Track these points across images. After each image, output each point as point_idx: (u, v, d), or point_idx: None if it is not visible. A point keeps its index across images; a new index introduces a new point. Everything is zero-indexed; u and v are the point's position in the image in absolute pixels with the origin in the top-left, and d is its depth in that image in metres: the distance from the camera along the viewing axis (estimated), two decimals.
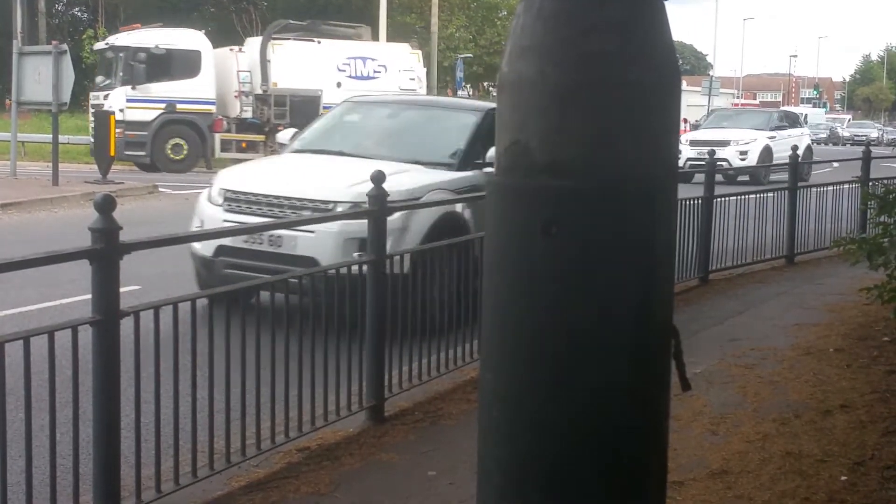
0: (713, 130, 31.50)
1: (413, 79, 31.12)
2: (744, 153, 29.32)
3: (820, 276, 12.29)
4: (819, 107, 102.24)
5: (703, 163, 12.97)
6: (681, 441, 5.85)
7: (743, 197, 12.65)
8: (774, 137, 30.35)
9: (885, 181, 11.33)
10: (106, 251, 4.54)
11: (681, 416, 6.27)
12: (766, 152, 29.39)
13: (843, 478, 5.34)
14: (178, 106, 27.90)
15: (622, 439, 2.11)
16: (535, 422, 2.10)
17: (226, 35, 41.36)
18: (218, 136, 28.83)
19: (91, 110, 28.15)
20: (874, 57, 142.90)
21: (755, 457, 5.71)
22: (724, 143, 28.90)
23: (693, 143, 28.59)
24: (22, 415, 4.22)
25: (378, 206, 6.40)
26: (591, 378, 2.07)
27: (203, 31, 31.74)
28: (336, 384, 6.11)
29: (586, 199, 2.08)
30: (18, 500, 4.23)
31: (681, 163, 20.29)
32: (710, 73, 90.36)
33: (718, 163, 13.38)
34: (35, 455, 4.27)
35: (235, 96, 29.07)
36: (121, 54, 28.02)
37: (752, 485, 5.29)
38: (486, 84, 57.53)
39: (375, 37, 35.19)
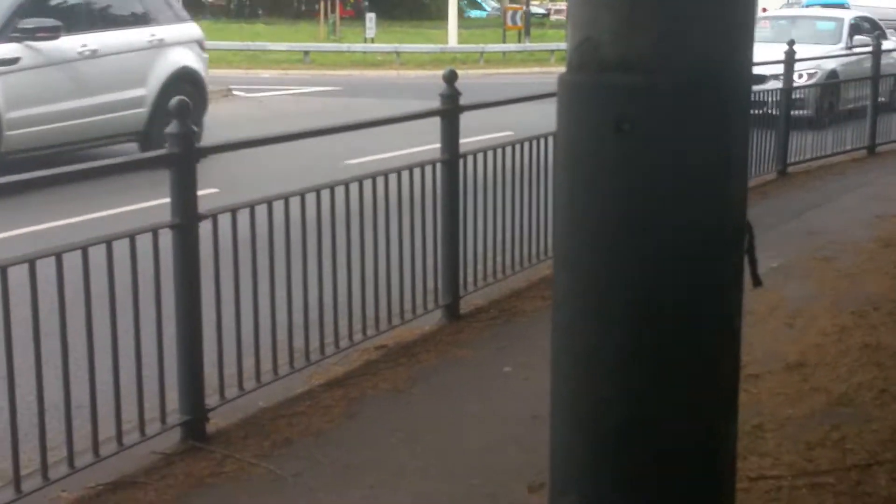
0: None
1: None
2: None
3: None
4: None
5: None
6: (757, 335, 5.84)
7: (824, 84, 12.37)
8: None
9: None
10: (183, 155, 4.60)
11: (757, 310, 6.25)
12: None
13: None
14: None
15: (695, 332, 2.12)
16: (607, 318, 2.12)
17: None
18: None
19: None
20: None
21: (832, 349, 5.69)
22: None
23: None
24: (108, 316, 4.34)
25: None
26: (665, 273, 2.08)
27: None
28: (412, 283, 6.18)
29: (659, 95, 2.06)
30: (107, 398, 4.37)
31: None
32: None
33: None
34: (121, 355, 4.40)
35: None
36: None
37: (828, 377, 5.28)
38: None
39: None
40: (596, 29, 2.11)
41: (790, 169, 11.56)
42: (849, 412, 4.84)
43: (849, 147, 12.71)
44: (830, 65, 16.02)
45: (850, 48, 16.70)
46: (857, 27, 17.62)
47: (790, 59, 11.62)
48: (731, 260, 2.15)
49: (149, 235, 4.56)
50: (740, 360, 2.29)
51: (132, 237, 4.49)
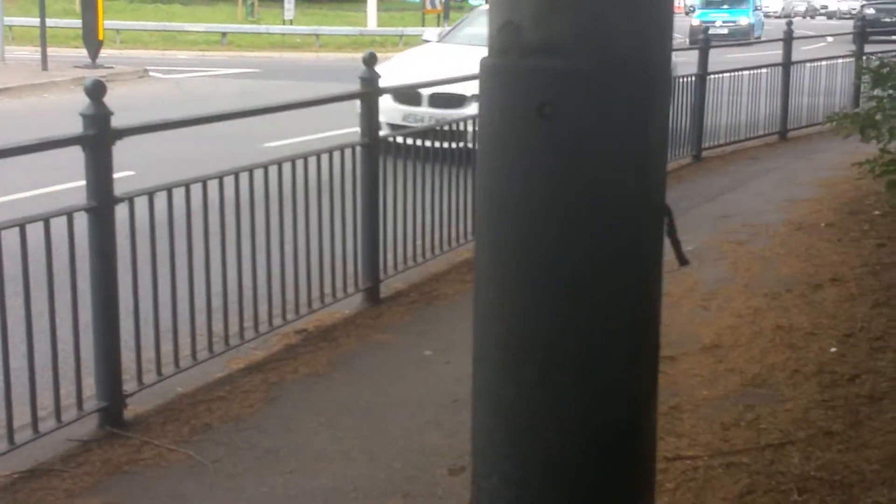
0: None
1: None
2: None
3: (812, 152, 12.31)
4: None
5: None
6: (672, 317, 5.93)
7: (736, 74, 12.59)
8: None
9: (880, 55, 11.27)
10: (98, 137, 4.53)
11: (672, 292, 6.34)
12: None
13: (833, 349, 5.43)
14: None
15: (617, 314, 2.14)
16: (530, 301, 2.13)
17: None
18: None
19: None
20: None
21: (746, 331, 5.80)
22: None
23: None
24: (21, 301, 4.27)
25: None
26: (587, 257, 2.10)
27: None
28: (332, 267, 6.16)
29: (580, 79, 2.07)
30: (22, 384, 4.30)
31: None
32: None
33: None
34: (36, 340, 4.33)
35: None
36: None
37: (742, 358, 5.38)
38: None
39: None
40: (517, 13, 2.11)
41: (704, 153, 11.73)
42: (762, 392, 4.94)
43: (761, 132, 12.93)
44: None
45: None
46: None
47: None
48: (651, 242, 2.18)
49: (63, 219, 4.48)
50: (660, 341, 2.32)
51: (46, 220, 4.42)
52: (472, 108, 10.01)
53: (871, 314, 5.94)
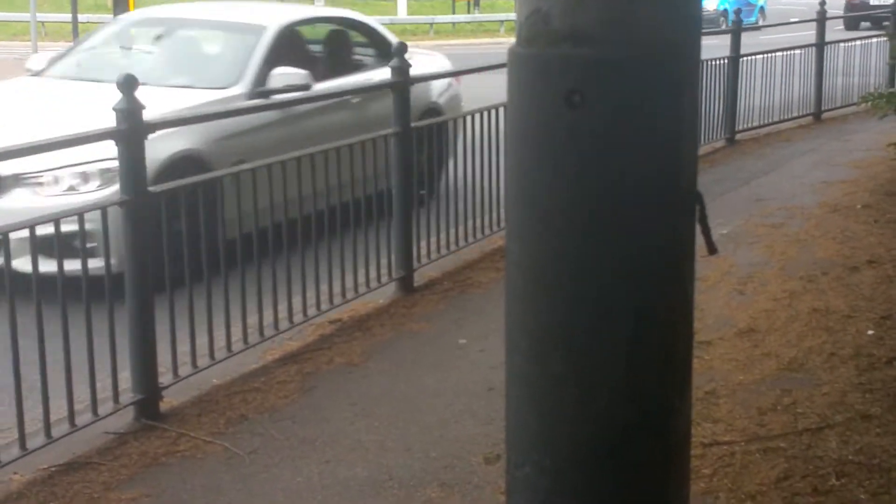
0: None
1: None
2: None
3: (847, 133, 12.19)
4: None
5: None
6: (708, 301, 5.90)
7: (769, 55, 12.48)
8: None
9: None
10: (131, 131, 4.56)
11: (708, 276, 6.31)
12: None
13: (870, 332, 5.39)
14: None
15: (648, 305, 2.13)
16: (560, 291, 2.12)
17: None
18: None
19: None
20: None
21: (782, 314, 5.76)
22: None
23: None
24: (57, 296, 4.30)
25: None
26: (617, 246, 2.09)
27: None
28: (366, 257, 6.17)
29: (609, 66, 2.06)
30: (58, 377, 4.34)
31: None
32: None
33: None
34: (73, 336, 4.36)
35: None
36: None
37: (778, 342, 5.35)
38: None
39: None
40: (545, 1, 2.10)
41: (738, 136, 11.65)
42: (799, 377, 4.90)
43: (795, 114, 12.82)
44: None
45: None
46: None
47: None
48: (683, 228, 2.16)
49: (97, 214, 4.51)
50: (693, 328, 2.31)
51: (81, 215, 4.45)
52: (11, 201, 6.33)
53: None
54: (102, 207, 4.56)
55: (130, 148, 4.56)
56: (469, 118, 7.13)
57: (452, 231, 7.04)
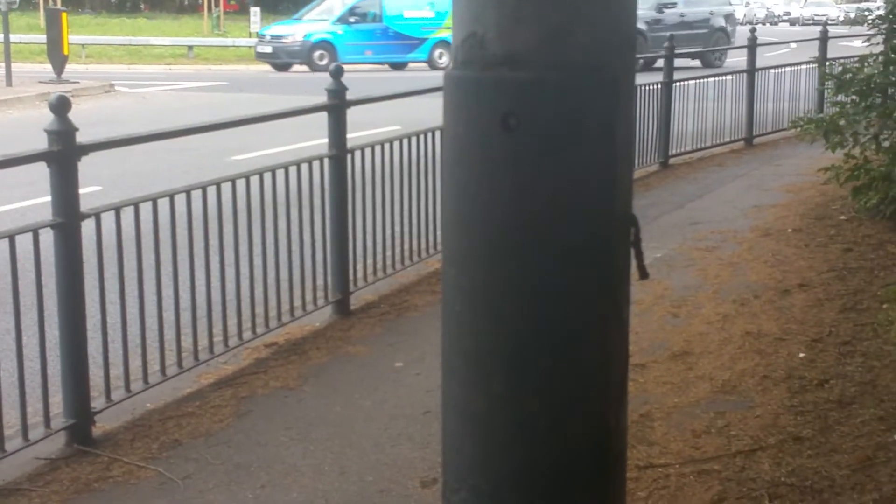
0: None
1: None
2: None
3: (778, 158, 12.39)
4: None
5: None
6: (643, 325, 5.95)
7: (702, 80, 12.66)
8: None
9: (843, 60, 11.36)
10: (63, 153, 4.50)
11: (643, 300, 6.36)
12: None
13: (802, 355, 5.46)
14: None
15: (585, 325, 2.14)
16: (497, 315, 2.12)
17: None
18: None
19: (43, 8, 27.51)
20: None
21: (715, 337, 5.82)
22: None
23: None
24: None
25: None
26: (552, 271, 2.10)
27: None
28: (301, 279, 6.14)
29: (544, 89, 2.07)
30: None
31: None
32: None
33: None
34: (2, 358, 4.29)
35: None
36: None
37: (712, 364, 5.40)
38: None
39: None
40: (481, 24, 2.11)
41: (672, 161, 11.79)
42: (732, 399, 4.95)
43: (728, 139, 13.01)
44: None
45: None
46: None
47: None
48: (618, 252, 2.18)
49: (29, 235, 4.45)
50: (629, 350, 2.33)
51: (12, 237, 4.39)
52: None
53: (838, 319, 5.97)
54: (34, 230, 4.50)
55: (63, 170, 4.50)
56: (405, 140, 7.14)
57: (389, 254, 7.03)
